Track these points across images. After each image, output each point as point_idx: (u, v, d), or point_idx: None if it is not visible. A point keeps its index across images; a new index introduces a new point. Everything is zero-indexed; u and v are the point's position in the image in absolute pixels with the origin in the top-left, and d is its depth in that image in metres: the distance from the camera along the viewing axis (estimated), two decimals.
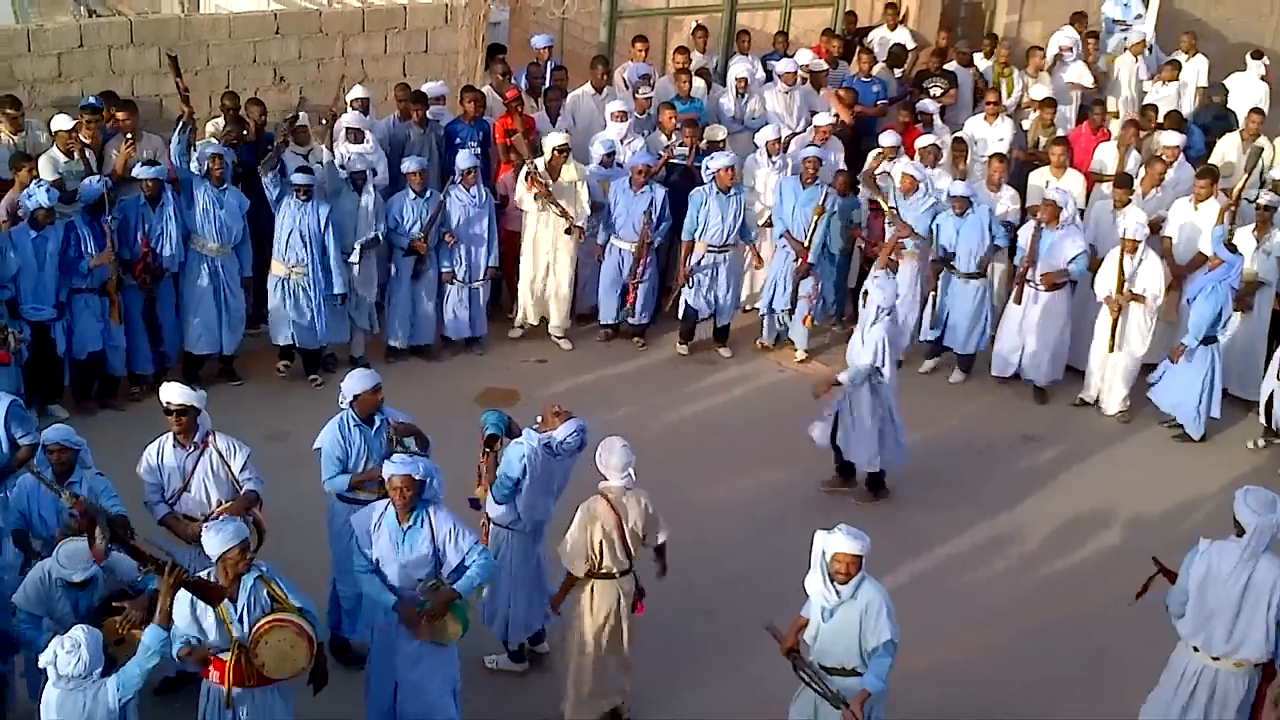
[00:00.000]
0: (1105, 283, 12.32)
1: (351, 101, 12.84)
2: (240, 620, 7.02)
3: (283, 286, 11.96)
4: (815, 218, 12.66)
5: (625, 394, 12.43)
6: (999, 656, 9.43)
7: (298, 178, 11.70)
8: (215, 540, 7.03)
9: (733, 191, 12.73)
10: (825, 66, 15.09)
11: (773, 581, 9.32)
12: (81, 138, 11.67)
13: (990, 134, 14.35)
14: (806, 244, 12.75)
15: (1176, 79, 16.25)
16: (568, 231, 12.66)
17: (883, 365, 10.44)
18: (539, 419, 8.42)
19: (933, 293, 12.85)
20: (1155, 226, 12.74)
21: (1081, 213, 13.10)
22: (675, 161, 13.42)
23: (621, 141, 13.31)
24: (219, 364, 12.18)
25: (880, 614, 7.18)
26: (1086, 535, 10.89)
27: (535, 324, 13.32)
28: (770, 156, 13.47)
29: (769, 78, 14.93)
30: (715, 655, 9.17)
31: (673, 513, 8.50)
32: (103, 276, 11.11)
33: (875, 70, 15.46)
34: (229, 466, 8.20)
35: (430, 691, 7.79)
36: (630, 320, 13.29)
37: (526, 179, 12.59)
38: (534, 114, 13.72)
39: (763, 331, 13.53)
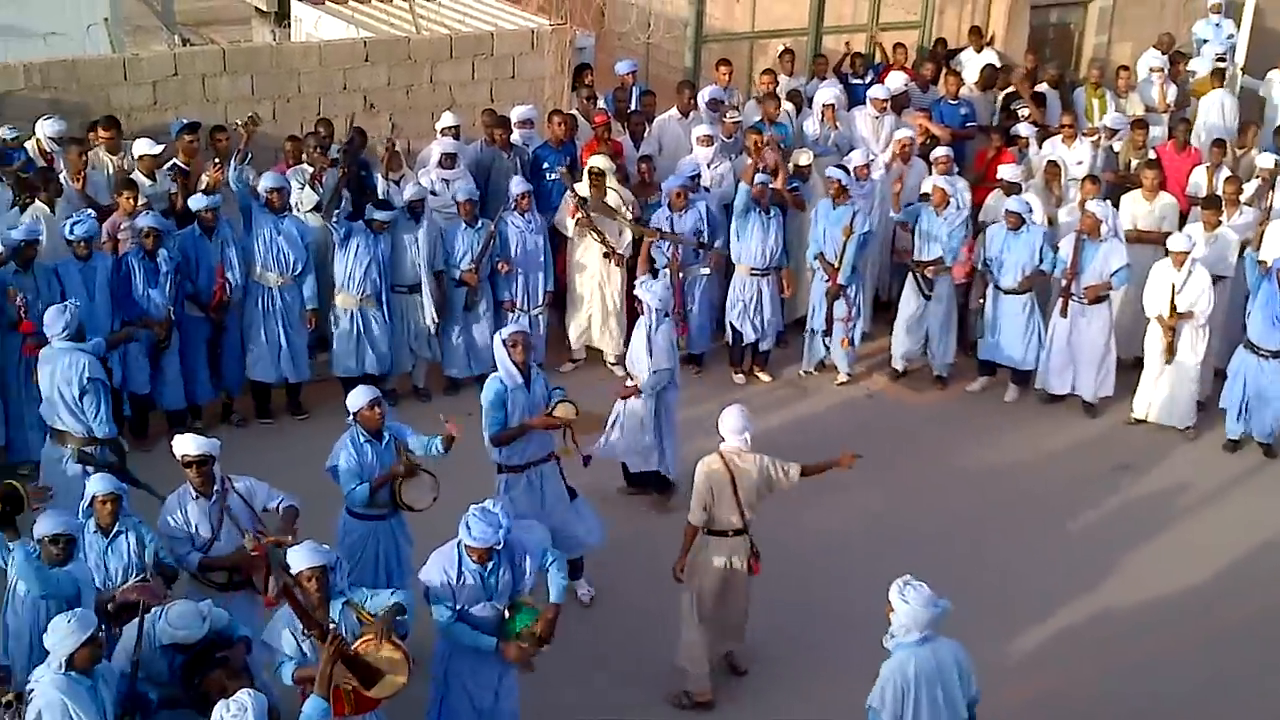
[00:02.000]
0: (1155, 301, 12.23)
1: (442, 130, 12.93)
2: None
3: (350, 318, 11.92)
4: (844, 238, 12.59)
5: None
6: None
7: (379, 214, 11.71)
8: (300, 557, 7.15)
9: (773, 213, 12.70)
10: (906, 89, 15.02)
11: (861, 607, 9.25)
12: (178, 161, 11.88)
13: (1069, 156, 14.16)
14: (837, 265, 12.68)
15: None
16: (606, 256, 12.58)
17: (674, 368, 10.53)
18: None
19: (980, 303, 12.88)
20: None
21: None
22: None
23: (708, 166, 13.30)
24: (286, 396, 12.19)
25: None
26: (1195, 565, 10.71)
27: (583, 358, 13.25)
28: (858, 181, 13.40)
29: (851, 99, 14.87)
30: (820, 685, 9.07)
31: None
32: (159, 312, 11.04)
33: (962, 92, 15.35)
34: (251, 507, 8.19)
35: (511, 707, 7.88)
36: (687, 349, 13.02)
37: (571, 205, 12.61)
38: (620, 138, 13.75)
39: (805, 358, 13.41)
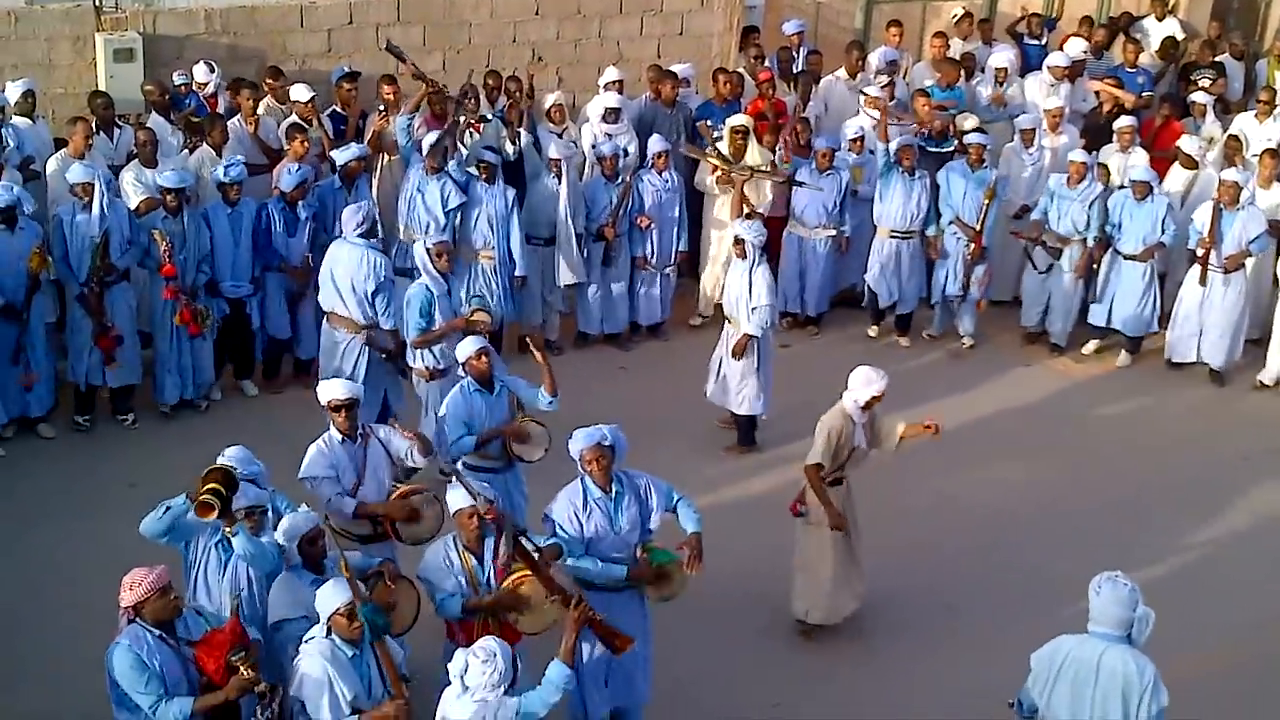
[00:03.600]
0: None
1: (606, 85, 12.95)
2: (488, 582, 7.19)
3: (471, 271, 11.76)
4: (986, 201, 12.40)
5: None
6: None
7: (485, 155, 11.70)
8: (451, 499, 7.27)
9: (918, 175, 12.54)
10: (1083, 57, 14.63)
11: (1013, 580, 9.17)
12: (336, 108, 12.11)
13: (1259, 132, 13.70)
14: (979, 228, 12.48)
15: None
16: (748, 216, 12.29)
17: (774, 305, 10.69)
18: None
19: (1096, 269, 12.68)
20: None
21: None
22: (930, 149, 13.16)
23: (874, 128, 13.13)
24: None
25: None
26: None
27: (709, 316, 13.06)
28: (1027, 148, 13.13)
29: (1025, 64, 14.54)
30: (947, 651, 8.99)
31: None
32: (298, 260, 11.15)
33: (1141, 60, 14.90)
34: (390, 454, 8.15)
35: (645, 652, 7.80)
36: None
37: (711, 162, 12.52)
38: (785, 98, 13.64)
39: (933, 322, 13.25)
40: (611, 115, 12.65)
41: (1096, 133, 13.67)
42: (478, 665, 6.11)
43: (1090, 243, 12.58)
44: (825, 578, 8.82)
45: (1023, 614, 9.08)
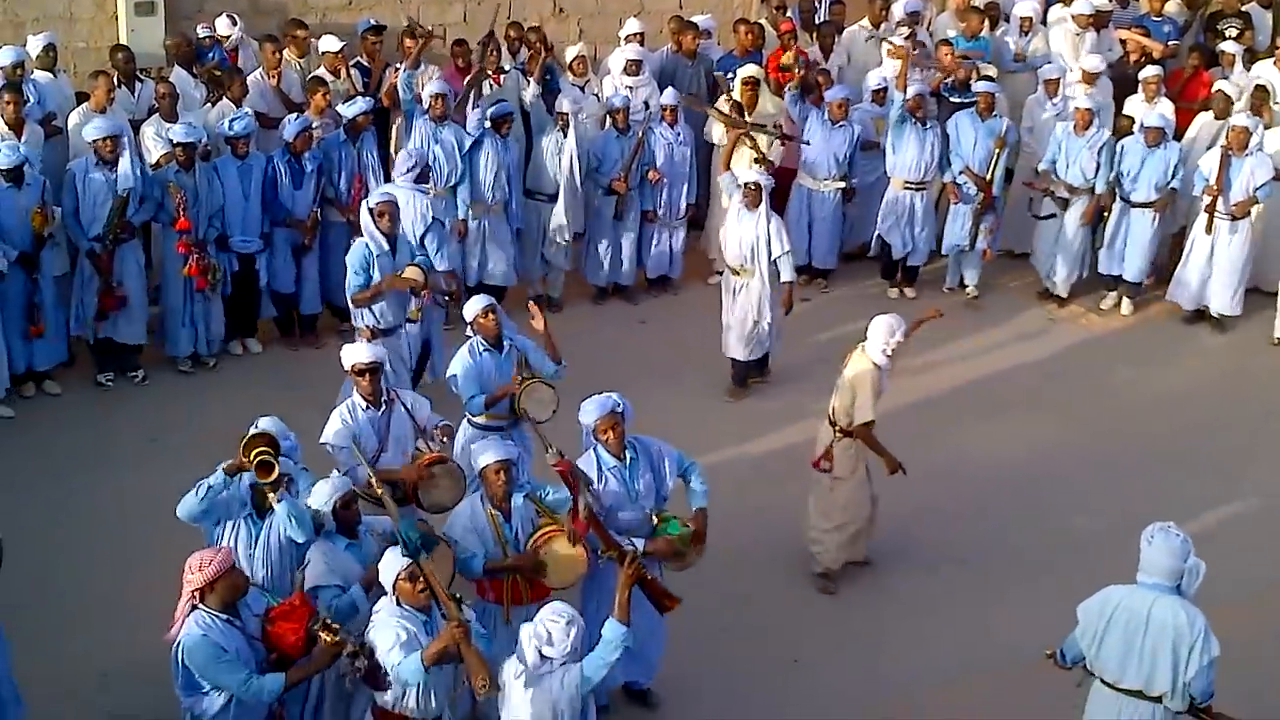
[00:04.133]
0: None
1: (627, 36, 12.89)
2: (515, 538, 7.24)
3: (479, 226, 11.74)
4: (996, 151, 12.34)
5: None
6: None
7: (498, 108, 11.59)
8: (480, 454, 7.29)
9: (929, 124, 12.46)
10: (1110, 6, 14.46)
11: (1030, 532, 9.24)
12: (361, 60, 12.12)
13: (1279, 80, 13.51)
14: (989, 178, 12.43)
15: None
16: (757, 161, 11.89)
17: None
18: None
19: (1106, 217, 12.65)
20: None
21: None
22: (954, 100, 13.09)
23: (895, 77, 13.04)
24: None
25: None
26: None
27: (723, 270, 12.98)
28: (1050, 98, 13.04)
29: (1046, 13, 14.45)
30: (963, 605, 9.02)
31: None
32: (304, 213, 11.15)
33: (1167, 9, 14.73)
34: (415, 420, 8.11)
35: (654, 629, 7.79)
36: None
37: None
38: (808, 49, 13.55)
39: (946, 276, 13.20)
40: (633, 67, 12.61)
41: (1122, 83, 13.55)
42: (560, 629, 6.11)
43: (1099, 190, 12.52)
44: (851, 531, 8.90)
45: (1037, 570, 9.17)
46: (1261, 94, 13.05)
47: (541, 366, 8.74)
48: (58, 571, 8.74)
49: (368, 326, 9.69)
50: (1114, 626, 6.49)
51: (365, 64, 12.26)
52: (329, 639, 6.21)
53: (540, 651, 6.14)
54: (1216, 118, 12.88)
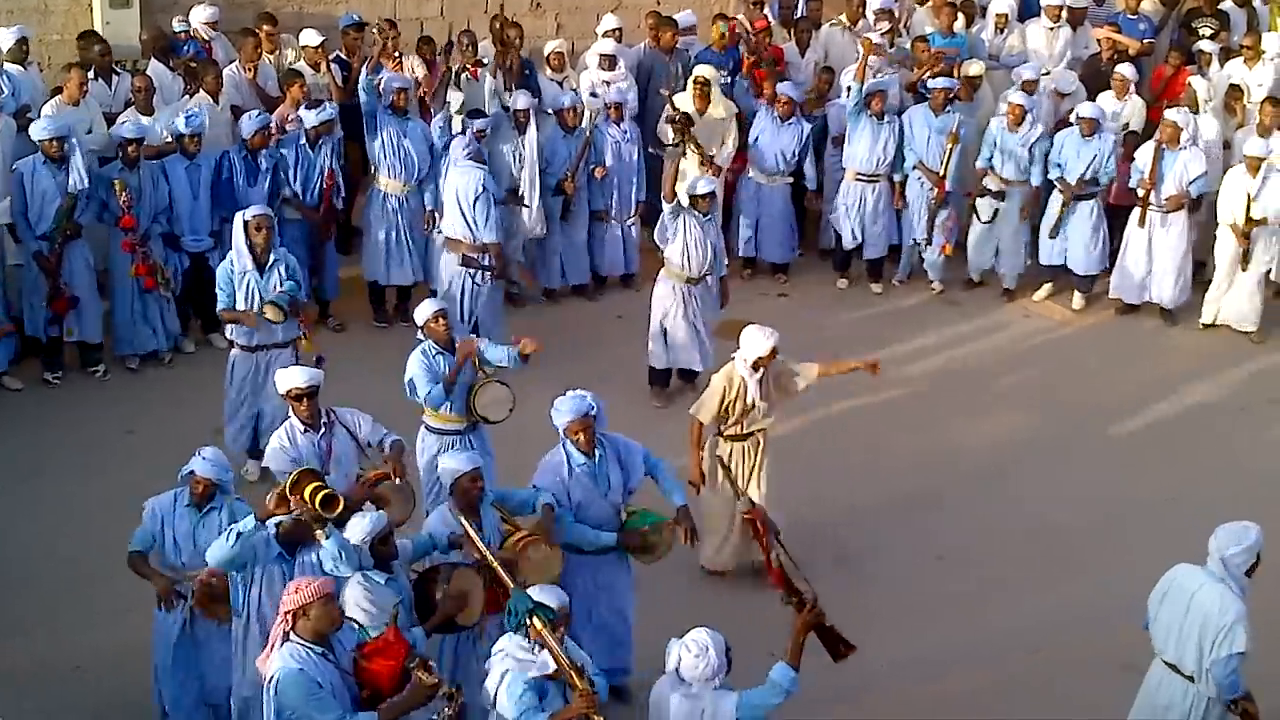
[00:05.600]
0: (1229, 207, 12.08)
1: (604, 32, 12.89)
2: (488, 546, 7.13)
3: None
4: (949, 146, 12.38)
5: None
6: None
7: (478, 122, 11.33)
8: (452, 463, 7.21)
9: (887, 119, 12.48)
10: (1085, 3, 14.50)
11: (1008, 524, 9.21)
12: (341, 54, 12.07)
13: (1250, 79, 13.58)
14: (942, 173, 12.46)
15: None
16: (702, 164, 11.89)
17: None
18: None
19: (1057, 212, 12.66)
20: None
21: None
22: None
23: (875, 75, 13.05)
24: (397, 300, 11.95)
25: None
26: None
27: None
28: (1027, 96, 13.05)
29: (1024, 11, 14.46)
30: (946, 601, 9.00)
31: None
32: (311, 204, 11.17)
33: (1143, 7, 14.78)
34: (356, 440, 7.89)
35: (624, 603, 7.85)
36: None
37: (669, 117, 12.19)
38: (784, 45, 13.56)
39: (899, 268, 13.20)
40: (607, 62, 12.57)
41: (1096, 79, 13.60)
42: (690, 658, 6.02)
43: (1035, 182, 12.60)
44: (715, 542, 8.81)
45: (1017, 563, 9.16)
46: (1236, 93, 13.12)
47: (499, 361, 8.54)
48: (29, 564, 8.69)
49: (231, 341, 9.50)
50: (1168, 600, 6.77)
51: (345, 58, 12.20)
52: (425, 678, 6.01)
53: (678, 671, 6.08)
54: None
